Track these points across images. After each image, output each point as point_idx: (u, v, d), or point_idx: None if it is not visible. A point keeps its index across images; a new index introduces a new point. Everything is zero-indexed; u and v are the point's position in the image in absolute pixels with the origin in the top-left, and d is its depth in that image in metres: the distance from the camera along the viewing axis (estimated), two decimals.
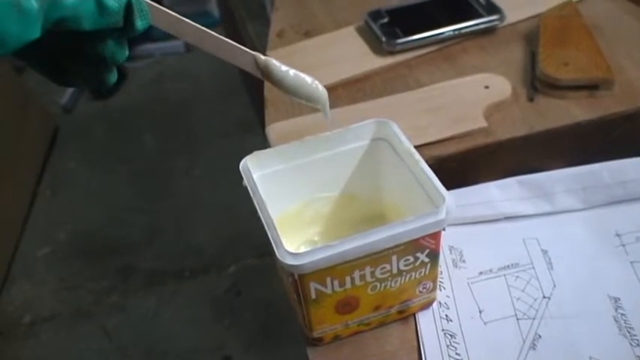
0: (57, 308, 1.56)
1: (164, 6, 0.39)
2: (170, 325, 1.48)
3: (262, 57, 0.43)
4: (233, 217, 1.65)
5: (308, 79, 0.45)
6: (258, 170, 0.49)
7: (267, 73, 0.43)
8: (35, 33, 0.31)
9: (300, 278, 0.42)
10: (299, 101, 0.47)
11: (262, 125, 0.68)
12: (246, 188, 0.47)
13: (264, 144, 0.51)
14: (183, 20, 0.40)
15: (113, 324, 1.50)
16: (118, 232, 1.73)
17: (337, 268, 0.42)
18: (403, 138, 0.49)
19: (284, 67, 0.44)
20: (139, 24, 0.36)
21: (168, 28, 0.40)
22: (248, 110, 1.89)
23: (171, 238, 1.69)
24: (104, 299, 1.57)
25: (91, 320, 1.52)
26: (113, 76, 0.41)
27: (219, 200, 1.73)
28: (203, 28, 0.40)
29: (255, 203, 0.45)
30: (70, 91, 2.20)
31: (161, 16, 0.39)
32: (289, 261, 0.41)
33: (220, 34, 0.42)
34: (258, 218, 0.44)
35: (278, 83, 0.44)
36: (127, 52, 0.40)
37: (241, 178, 0.47)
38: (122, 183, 1.89)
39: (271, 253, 0.42)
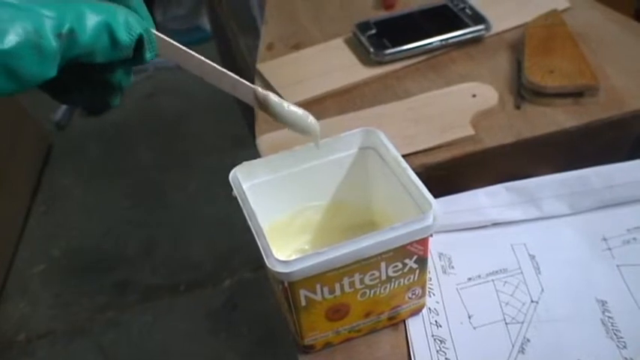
0: (52, 325, 1.55)
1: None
2: (166, 340, 1.48)
3: (261, 90, 0.44)
4: (228, 230, 1.65)
5: (302, 113, 0.46)
6: (249, 180, 0.50)
7: (265, 105, 0.45)
8: (52, 72, 0.32)
9: (290, 286, 0.43)
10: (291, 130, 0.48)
11: (254, 137, 0.68)
12: (236, 199, 0.47)
13: (257, 158, 0.52)
14: (187, 52, 0.41)
15: (109, 340, 1.50)
16: (113, 248, 1.73)
17: (327, 275, 0.43)
18: (390, 146, 0.50)
19: (280, 102, 0.45)
20: (148, 55, 0.37)
21: (172, 59, 0.41)
22: (241, 124, 1.89)
23: (166, 252, 1.69)
24: (100, 315, 1.56)
25: (87, 336, 1.51)
26: (117, 100, 0.42)
27: (214, 214, 1.73)
28: (206, 60, 0.42)
29: (245, 213, 0.46)
30: (63, 107, 2.20)
31: (167, 47, 0.40)
32: (279, 269, 0.41)
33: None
34: (249, 228, 0.45)
35: (274, 116, 0.45)
36: (132, 79, 0.41)
37: (232, 192, 0.48)
38: (117, 198, 1.89)
39: (265, 265, 0.42)
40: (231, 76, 0.43)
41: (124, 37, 0.35)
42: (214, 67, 0.42)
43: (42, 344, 1.52)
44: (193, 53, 0.41)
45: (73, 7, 0.32)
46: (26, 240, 1.79)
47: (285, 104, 0.45)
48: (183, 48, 0.40)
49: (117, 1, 0.36)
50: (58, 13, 0.31)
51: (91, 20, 0.33)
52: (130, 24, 0.35)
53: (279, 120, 0.45)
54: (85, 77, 0.39)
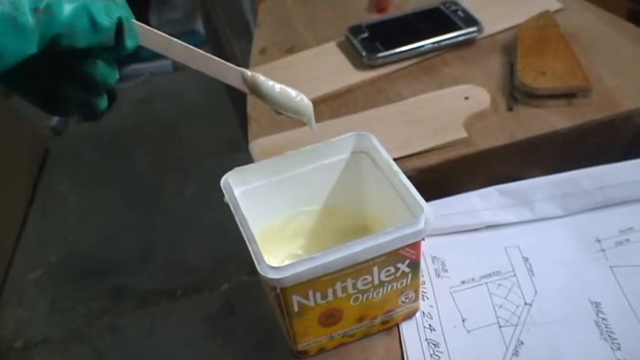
0: (49, 331, 1.55)
1: (152, 26, 0.40)
2: (163, 345, 1.48)
3: (249, 72, 0.44)
4: (225, 235, 1.65)
5: (293, 92, 0.46)
6: (241, 186, 0.50)
7: (253, 88, 0.44)
8: (32, 48, 0.32)
9: (282, 292, 0.43)
10: (285, 114, 0.48)
11: (247, 142, 0.68)
12: (227, 205, 0.47)
13: (252, 162, 0.52)
14: (171, 40, 0.40)
15: (106, 345, 1.50)
16: (109, 253, 1.73)
17: (319, 281, 0.43)
18: (382, 150, 0.50)
19: (270, 82, 0.45)
20: (129, 43, 0.37)
21: (157, 48, 0.41)
22: (237, 128, 1.89)
23: (163, 257, 1.69)
24: (97, 321, 1.56)
25: (84, 342, 1.51)
26: (103, 102, 0.42)
27: (210, 219, 1.73)
28: (191, 46, 0.41)
29: (237, 219, 0.46)
30: None
31: (150, 36, 0.40)
32: (271, 275, 0.41)
33: (207, 52, 0.42)
34: (240, 234, 0.45)
35: (264, 98, 0.45)
36: (117, 75, 0.41)
37: (223, 199, 0.48)
38: (113, 203, 1.89)
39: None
40: (217, 61, 0.43)
41: (104, 19, 0.35)
42: (200, 52, 0.42)
43: (39, 351, 1.51)
44: (177, 40, 0.40)
45: None
46: (23, 246, 1.79)
47: (276, 85, 0.45)
48: (166, 36, 0.40)
49: None
50: None
51: (70, 1, 0.33)
52: (109, 8, 0.35)
53: (270, 102, 0.45)
54: (69, 74, 0.39)
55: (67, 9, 0.33)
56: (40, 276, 1.70)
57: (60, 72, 0.39)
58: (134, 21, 0.38)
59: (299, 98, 0.46)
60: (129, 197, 1.90)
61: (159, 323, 1.53)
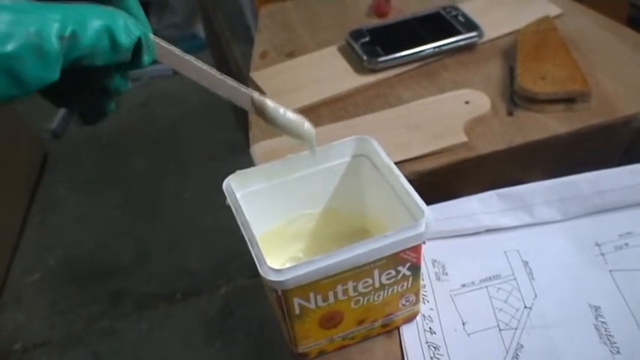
0: (48, 334, 1.55)
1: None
2: (162, 349, 1.48)
3: (258, 96, 0.44)
4: (223, 238, 1.65)
5: (298, 118, 0.47)
6: (242, 189, 0.50)
7: (261, 111, 0.45)
8: (55, 74, 0.32)
9: (283, 294, 0.43)
10: (288, 136, 0.48)
11: (248, 145, 0.69)
12: (229, 207, 0.47)
13: (252, 165, 0.52)
14: (185, 57, 0.41)
15: (105, 349, 1.50)
16: (108, 256, 1.73)
17: (320, 283, 0.43)
18: (383, 154, 0.50)
19: (276, 107, 0.45)
20: (146, 59, 0.38)
21: (170, 64, 0.41)
22: (236, 132, 1.90)
23: (162, 260, 1.69)
24: (95, 324, 1.56)
25: (83, 346, 1.51)
26: (112, 105, 0.42)
27: (209, 222, 1.73)
28: (203, 65, 0.42)
29: (239, 222, 0.46)
30: (59, 116, 2.21)
31: (165, 52, 0.40)
32: (272, 277, 0.41)
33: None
34: (242, 236, 0.45)
35: (270, 121, 0.45)
36: (129, 85, 0.41)
37: (225, 201, 0.48)
38: (112, 207, 1.89)
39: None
40: (228, 82, 0.43)
41: (124, 40, 0.35)
42: (212, 72, 0.42)
43: (38, 354, 1.51)
44: (191, 58, 0.41)
45: (76, 10, 0.33)
46: (22, 249, 1.79)
47: (282, 110, 0.45)
48: (181, 53, 0.41)
49: (117, 6, 0.37)
50: (62, 16, 0.32)
51: (93, 23, 0.33)
52: (129, 27, 0.35)
53: (275, 126, 0.46)
54: (84, 82, 0.39)
55: (91, 32, 0.33)
56: (39, 279, 1.70)
57: (75, 83, 0.39)
58: (151, 36, 0.38)
59: (303, 124, 0.47)
60: (128, 200, 1.90)
61: (158, 326, 1.53)
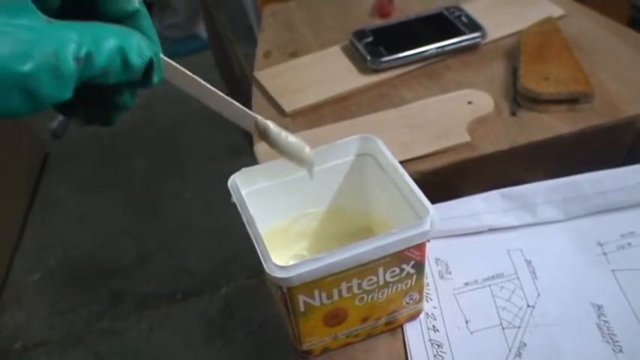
0: (48, 334, 1.55)
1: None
2: (163, 349, 1.48)
3: (261, 120, 0.45)
4: (224, 238, 1.65)
5: (300, 144, 0.47)
6: (247, 187, 0.50)
7: (264, 134, 0.45)
8: (68, 93, 0.32)
9: (288, 291, 0.43)
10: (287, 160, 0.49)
11: (251, 145, 0.69)
12: (234, 205, 0.48)
13: (252, 165, 0.52)
14: (192, 77, 0.42)
15: (105, 349, 1.49)
16: (109, 257, 1.73)
17: (325, 281, 0.43)
18: (388, 153, 0.50)
19: (279, 131, 0.46)
20: (155, 79, 0.38)
21: (177, 83, 0.42)
22: (236, 132, 1.90)
23: (162, 261, 1.69)
24: (96, 324, 1.56)
25: (83, 345, 1.51)
26: (118, 116, 0.43)
27: (209, 222, 1.73)
28: (209, 86, 0.42)
29: (244, 219, 0.46)
30: (60, 116, 2.20)
31: (173, 71, 0.41)
32: (278, 274, 0.41)
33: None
34: (247, 234, 0.45)
35: (272, 144, 0.46)
36: (137, 100, 0.41)
37: (230, 199, 0.48)
38: (113, 207, 1.89)
39: (262, 272, 0.43)
40: (233, 104, 0.44)
41: (136, 60, 0.35)
42: (217, 93, 0.43)
43: (38, 353, 1.51)
44: (198, 79, 0.42)
45: (92, 30, 0.33)
46: (22, 249, 1.79)
47: (284, 134, 0.46)
48: (189, 73, 0.41)
49: (130, 25, 0.37)
50: (79, 36, 0.32)
51: (108, 44, 0.33)
52: (141, 48, 0.36)
53: (276, 149, 0.46)
54: (94, 98, 0.39)
55: (105, 53, 0.33)
56: (40, 279, 1.70)
57: (84, 98, 0.40)
58: (162, 56, 0.39)
59: (304, 150, 0.47)
60: (128, 201, 1.90)
61: (158, 327, 1.53)
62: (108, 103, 0.40)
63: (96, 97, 0.40)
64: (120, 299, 1.60)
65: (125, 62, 0.35)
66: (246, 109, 0.44)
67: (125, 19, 0.37)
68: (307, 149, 0.47)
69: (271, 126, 0.45)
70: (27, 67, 0.30)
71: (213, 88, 0.42)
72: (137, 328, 1.53)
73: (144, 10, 0.38)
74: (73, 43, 0.31)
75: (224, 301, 1.55)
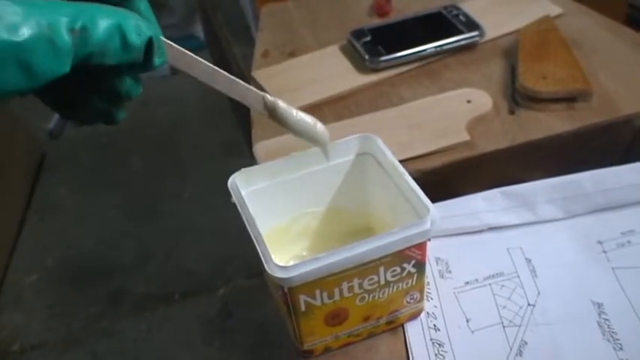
0: (46, 335, 1.55)
1: None
2: (161, 349, 1.47)
3: (270, 97, 0.44)
4: (222, 239, 1.65)
5: (311, 120, 0.47)
6: (246, 187, 0.50)
7: (273, 112, 0.45)
8: (66, 67, 0.32)
9: (289, 291, 0.43)
10: (300, 139, 0.48)
11: (250, 145, 0.69)
12: (234, 205, 0.48)
13: (251, 165, 0.52)
14: (197, 59, 0.41)
15: (103, 349, 1.49)
16: (107, 257, 1.73)
17: (326, 280, 0.43)
18: (387, 152, 0.50)
19: (289, 108, 0.45)
20: (157, 60, 0.38)
21: (181, 66, 0.41)
22: (235, 132, 1.90)
23: (160, 261, 1.69)
24: (94, 325, 1.55)
25: (81, 346, 1.51)
26: (123, 112, 0.42)
27: (208, 222, 1.73)
28: (215, 67, 0.42)
29: (244, 219, 0.46)
30: (56, 116, 2.20)
31: (177, 54, 0.40)
32: (278, 274, 0.41)
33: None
34: (246, 235, 0.45)
35: (282, 122, 0.45)
36: (140, 89, 0.41)
37: (230, 199, 0.48)
38: (110, 207, 1.88)
39: (261, 273, 0.43)
40: (240, 84, 0.43)
41: (135, 39, 0.35)
42: (224, 74, 0.42)
43: (36, 355, 1.51)
44: (202, 60, 0.41)
45: (87, 8, 0.33)
46: (20, 250, 1.79)
47: (294, 111, 0.45)
48: (193, 55, 0.41)
49: (128, 7, 0.37)
50: (73, 11, 0.32)
51: (104, 21, 0.34)
52: (140, 27, 0.36)
53: (287, 127, 0.46)
54: (95, 85, 0.39)
55: (102, 28, 0.33)
56: (37, 280, 1.69)
57: (86, 85, 0.39)
58: (162, 38, 0.38)
59: (317, 126, 0.47)
60: (126, 201, 1.90)
61: (156, 327, 1.53)
62: (111, 92, 0.40)
63: (98, 86, 0.40)
64: (118, 300, 1.60)
65: (124, 41, 0.35)
66: (253, 88, 0.44)
67: (123, 2, 0.37)
68: (320, 125, 0.46)
69: (280, 103, 0.45)
70: (21, 38, 0.30)
71: (218, 69, 0.42)
72: (136, 328, 1.53)
73: None
74: (67, 17, 0.32)
75: (222, 302, 1.55)
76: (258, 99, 0.44)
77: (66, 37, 0.32)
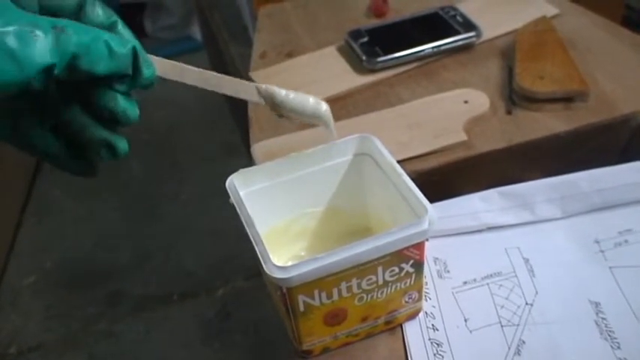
0: (44, 337, 1.55)
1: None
2: (160, 351, 1.47)
3: (263, 85, 0.45)
4: (220, 240, 1.65)
5: (310, 98, 0.47)
6: (245, 188, 0.50)
7: (270, 99, 0.45)
8: (54, 58, 0.33)
9: (288, 291, 0.43)
10: (303, 121, 0.48)
11: (248, 146, 0.69)
12: (233, 206, 0.48)
13: (249, 166, 0.52)
14: (183, 66, 0.42)
15: (101, 351, 1.49)
16: (105, 258, 1.73)
17: (324, 281, 0.43)
18: (385, 152, 0.50)
19: (285, 91, 0.45)
20: (146, 72, 0.39)
21: (170, 76, 0.42)
22: (233, 134, 1.90)
23: (159, 262, 1.69)
24: (92, 326, 1.55)
25: (79, 348, 1.51)
26: (124, 143, 0.43)
27: (206, 224, 1.73)
28: (203, 70, 0.43)
29: (242, 219, 0.46)
30: None
31: (163, 65, 0.41)
32: (277, 274, 0.41)
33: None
34: (244, 235, 0.45)
35: (281, 106, 0.45)
36: (137, 110, 0.41)
37: (228, 200, 0.48)
38: (108, 209, 1.88)
39: (260, 274, 0.43)
40: (231, 79, 0.44)
41: (119, 47, 0.36)
42: (212, 74, 0.43)
43: (34, 357, 1.51)
44: (190, 67, 0.42)
45: (66, 20, 0.35)
46: (17, 251, 1.79)
47: (291, 93, 0.45)
48: (178, 63, 0.42)
49: (104, 28, 0.38)
50: (55, 19, 0.34)
51: (86, 29, 0.35)
52: (122, 38, 0.38)
53: (287, 111, 0.46)
54: (91, 109, 0.40)
55: (83, 32, 0.35)
56: (35, 282, 1.69)
57: (81, 104, 0.40)
58: (149, 55, 0.40)
59: (316, 103, 0.47)
60: (124, 202, 1.90)
61: (155, 328, 1.53)
62: (107, 114, 0.40)
63: (93, 111, 0.40)
64: (116, 301, 1.60)
65: (109, 49, 0.36)
66: (244, 81, 0.44)
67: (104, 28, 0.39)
68: (319, 101, 0.46)
69: (275, 88, 0.45)
70: (4, 28, 0.32)
71: (205, 70, 0.43)
72: (134, 330, 1.53)
73: (120, 19, 0.40)
74: (48, 20, 0.34)
75: (221, 302, 1.55)
76: (252, 90, 0.44)
77: (48, 29, 0.33)
